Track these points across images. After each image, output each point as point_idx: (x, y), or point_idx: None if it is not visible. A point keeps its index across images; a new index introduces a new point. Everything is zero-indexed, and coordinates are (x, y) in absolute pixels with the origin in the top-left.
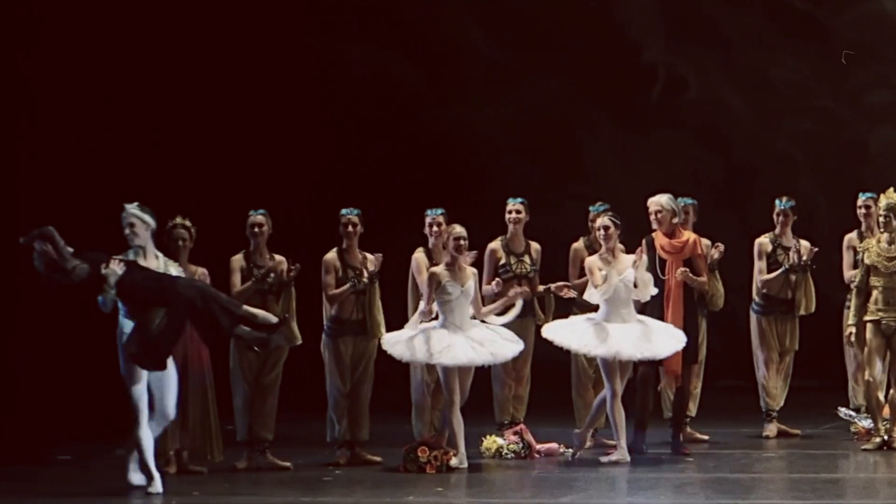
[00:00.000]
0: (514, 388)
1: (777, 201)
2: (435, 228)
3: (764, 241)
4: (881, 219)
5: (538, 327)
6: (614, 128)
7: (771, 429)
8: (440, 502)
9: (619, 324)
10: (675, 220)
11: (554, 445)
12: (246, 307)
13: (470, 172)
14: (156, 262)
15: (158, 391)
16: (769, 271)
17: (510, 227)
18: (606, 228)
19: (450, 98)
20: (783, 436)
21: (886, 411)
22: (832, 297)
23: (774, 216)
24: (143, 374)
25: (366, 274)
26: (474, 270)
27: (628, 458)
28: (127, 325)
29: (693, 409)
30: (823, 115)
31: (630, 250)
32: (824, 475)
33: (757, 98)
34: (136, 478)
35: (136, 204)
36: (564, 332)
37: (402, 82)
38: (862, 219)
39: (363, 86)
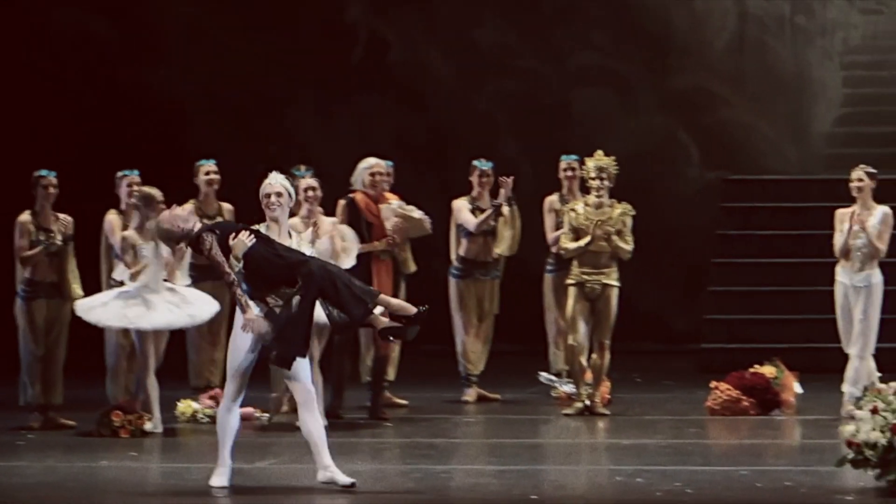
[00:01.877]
0: (209, 351)
1: (476, 163)
2: (134, 189)
3: (461, 203)
4: (593, 181)
5: None
6: (315, 89)
7: (471, 393)
8: (134, 467)
9: None
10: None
11: (249, 410)
12: (382, 296)
13: (166, 134)
14: (288, 239)
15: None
16: (468, 234)
17: (203, 188)
18: (314, 189)
19: (147, 59)
20: (483, 401)
21: (589, 376)
22: (533, 259)
23: (474, 178)
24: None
25: (59, 236)
26: None
27: (325, 423)
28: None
29: (392, 373)
30: (527, 76)
31: (328, 213)
32: (525, 440)
33: (459, 59)
34: (343, 478)
35: (282, 175)
36: None
37: (99, 43)
38: (565, 181)
39: (61, 46)
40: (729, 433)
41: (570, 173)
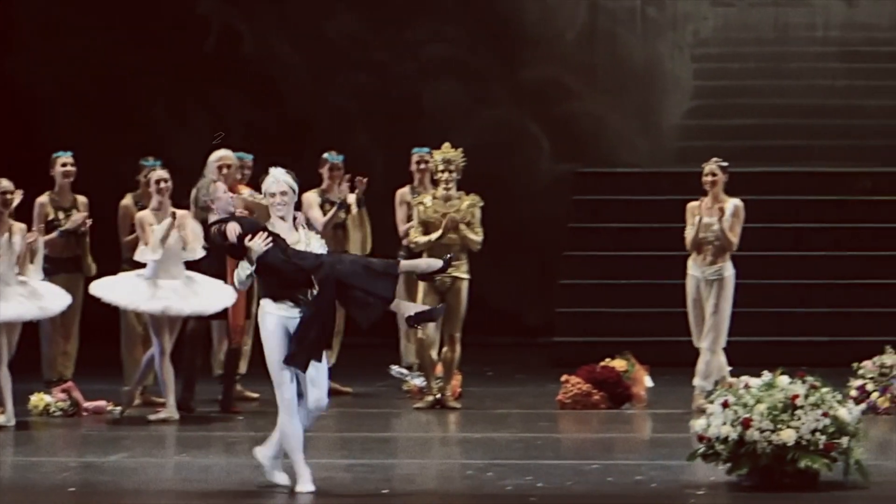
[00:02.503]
0: (62, 344)
1: (327, 155)
2: None
3: (311, 197)
4: (441, 174)
5: (87, 282)
6: (169, 81)
7: None
8: None
9: (168, 280)
10: (238, 176)
11: (102, 403)
12: (404, 262)
13: (21, 126)
14: (296, 234)
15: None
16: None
17: (59, 180)
18: (165, 181)
19: (2, 49)
20: (334, 394)
21: (439, 370)
22: (384, 252)
23: (324, 171)
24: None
25: None
26: (22, 226)
27: (177, 416)
28: (268, 305)
29: (244, 366)
30: (378, 68)
31: (182, 205)
32: (376, 434)
33: (311, 52)
34: (280, 477)
35: (283, 170)
36: (113, 289)
37: None
38: (416, 174)
39: None
40: (580, 427)
41: (421, 166)
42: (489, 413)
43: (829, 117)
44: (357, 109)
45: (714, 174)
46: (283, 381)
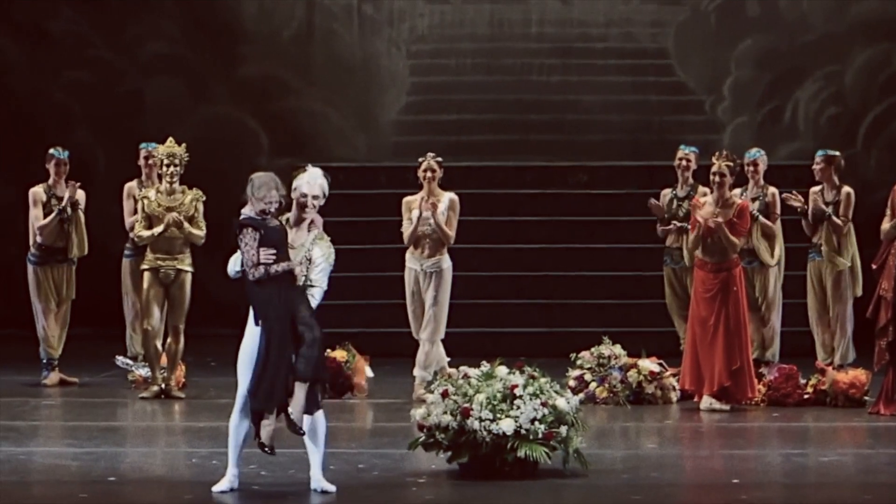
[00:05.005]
0: None
1: (53, 151)
2: None
3: (38, 190)
4: (165, 168)
5: None
6: None
7: (51, 377)
8: None
9: None
10: None
11: None
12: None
13: None
14: (305, 236)
15: None
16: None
17: None
18: None
19: None
20: (63, 384)
21: (164, 360)
22: (108, 245)
23: (51, 167)
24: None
25: None
26: None
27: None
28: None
29: None
30: (100, 65)
31: None
32: (103, 423)
33: (34, 48)
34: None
35: (321, 172)
36: None
37: None
38: (144, 169)
39: None
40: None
41: (149, 161)
42: (213, 402)
43: (545, 112)
44: (80, 106)
45: (434, 170)
46: (240, 378)
